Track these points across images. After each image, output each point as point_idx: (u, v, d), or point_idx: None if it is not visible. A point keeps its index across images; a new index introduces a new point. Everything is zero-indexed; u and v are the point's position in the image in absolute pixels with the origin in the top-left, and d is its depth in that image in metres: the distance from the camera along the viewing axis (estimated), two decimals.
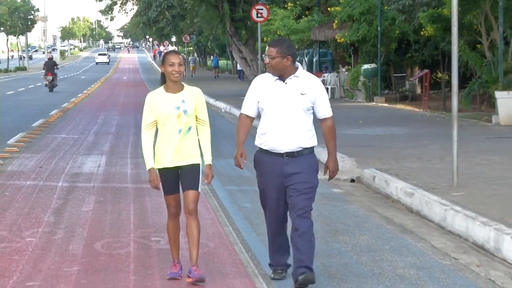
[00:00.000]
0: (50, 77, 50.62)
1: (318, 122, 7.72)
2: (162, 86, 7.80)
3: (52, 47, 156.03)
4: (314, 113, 7.71)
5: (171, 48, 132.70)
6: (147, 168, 7.71)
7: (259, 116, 7.86)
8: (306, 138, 7.60)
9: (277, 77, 7.59)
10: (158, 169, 7.71)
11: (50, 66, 51.19)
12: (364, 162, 15.20)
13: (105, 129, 25.49)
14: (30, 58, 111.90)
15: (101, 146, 20.62)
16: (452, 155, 12.14)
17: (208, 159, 7.81)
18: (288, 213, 7.78)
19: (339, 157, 16.21)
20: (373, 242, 9.58)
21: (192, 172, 7.73)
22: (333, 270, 8.31)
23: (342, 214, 11.42)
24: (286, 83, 7.57)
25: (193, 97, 7.74)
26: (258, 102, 7.68)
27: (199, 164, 7.79)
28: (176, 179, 7.78)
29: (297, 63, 7.65)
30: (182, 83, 7.76)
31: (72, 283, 7.93)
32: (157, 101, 7.69)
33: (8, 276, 8.15)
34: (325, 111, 7.67)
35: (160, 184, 7.71)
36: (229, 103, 34.76)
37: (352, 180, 14.39)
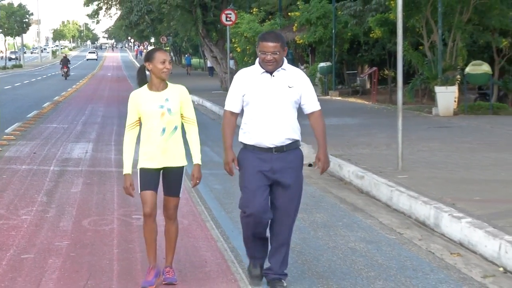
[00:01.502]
0: (65, 69, 64.22)
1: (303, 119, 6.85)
2: (146, 85, 6.77)
3: (43, 48, 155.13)
4: (300, 108, 6.73)
5: (150, 48, 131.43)
6: (124, 172, 6.73)
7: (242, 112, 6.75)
8: (293, 131, 6.61)
9: (264, 70, 6.51)
10: (140, 168, 6.70)
11: (65, 61, 64.92)
12: None
13: (92, 120, 25.36)
14: (17, 58, 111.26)
15: (88, 134, 20.51)
16: (397, 142, 12.21)
17: (196, 159, 6.75)
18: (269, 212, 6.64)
19: None
20: (328, 219, 9.61)
21: (175, 175, 6.75)
22: (293, 244, 8.29)
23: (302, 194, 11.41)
24: (273, 75, 6.52)
25: (177, 95, 6.72)
26: (244, 96, 6.55)
27: (183, 166, 6.79)
28: (157, 178, 6.75)
29: None
30: (166, 82, 6.75)
31: (62, 256, 7.90)
32: (141, 100, 6.68)
33: (6, 250, 8.12)
34: (313, 104, 6.69)
35: (133, 192, 6.74)
36: (201, 97, 34.83)
37: (310, 165, 14.33)
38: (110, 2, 48.85)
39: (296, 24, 37.94)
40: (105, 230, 9.07)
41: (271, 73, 6.50)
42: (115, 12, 71.26)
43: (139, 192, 6.67)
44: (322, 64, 36.62)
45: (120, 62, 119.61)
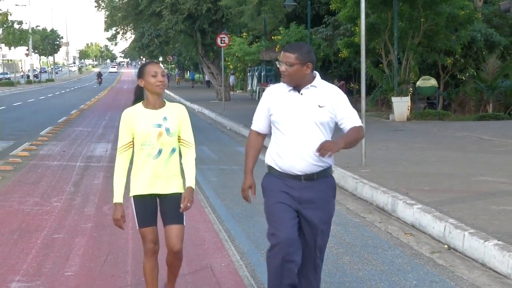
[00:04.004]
0: (99, 80, 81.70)
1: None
2: (141, 102, 5.02)
3: (71, 65, 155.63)
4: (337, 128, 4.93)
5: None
6: (114, 200, 5.00)
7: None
8: (326, 157, 4.74)
9: (292, 87, 4.77)
10: (133, 196, 4.97)
11: (99, 74, 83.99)
12: None
13: (111, 124, 25.29)
14: (42, 72, 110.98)
15: (108, 136, 20.44)
16: (361, 143, 12.21)
17: (190, 181, 4.95)
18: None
19: None
20: None
21: (175, 202, 4.94)
22: None
23: None
24: (301, 93, 4.76)
25: (176, 115, 4.99)
26: (271, 115, 4.82)
27: (182, 193, 4.98)
28: (154, 209, 5.01)
29: (315, 72, 4.86)
30: (163, 99, 5.04)
31: (86, 236, 7.88)
32: (135, 119, 4.93)
33: (40, 231, 8.11)
34: (353, 120, 4.82)
35: (124, 224, 5.06)
36: (200, 105, 34.85)
37: None
38: (126, 28, 48.67)
39: (278, 46, 37.97)
40: None
41: (298, 90, 4.76)
42: (130, 36, 70.99)
43: (137, 227, 5.05)
44: None
45: (134, 77, 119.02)
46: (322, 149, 4.55)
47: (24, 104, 39.12)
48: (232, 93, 50.29)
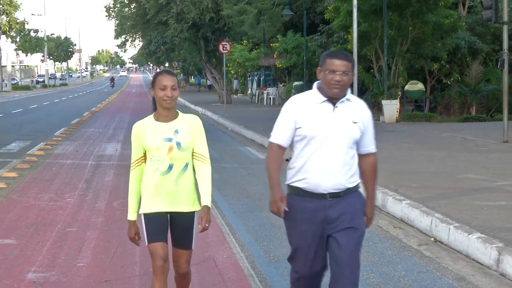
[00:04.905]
0: (112, 83, 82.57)
1: None
2: (152, 115, 4.38)
3: (84, 70, 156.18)
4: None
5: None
6: (128, 217, 4.54)
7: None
8: (353, 175, 4.13)
9: (326, 99, 4.05)
10: (144, 214, 4.38)
11: (112, 79, 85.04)
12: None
13: (120, 125, 25.28)
14: (52, 79, 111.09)
15: (117, 136, 20.43)
16: None
17: (206, 199, 4.31)
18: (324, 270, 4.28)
19: None
20: None
21: (186, 223, 4.36)
22: (274, 220, 8.30)
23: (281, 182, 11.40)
24: (337, 106, 4.05)
25: (189, 127, 4.30)
26: (298, 128, 4.08)
27: (195, 212, 4.39)
28: (165, 225, 4.36)
29: None
30: (177, 110, 4.36)
31: (98, 229, 7.87)
32: (145, 132, 4.30)
33: (55, 224, 8.11)
34: (371, 145, 4.23)
35: (139, 239, 4.50)
36: (203, 108, 34.83)
37: (287, 160, 14.37)
38: (134, 36, 48.66)
39: (276, 52, 38.02)
40: None
41: (334, 103, 4.05)
42: (138, 43, 71.04)
43: (146, 244, 4.34)
44: (296, 83, 36.72)
45: (142, 81, 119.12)
46: (369, 225, 4.33)
47: (40, 106, 39.10)
48: (234, 96, 50.30)
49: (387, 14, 23.61)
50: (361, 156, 4.19)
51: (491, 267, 6.20)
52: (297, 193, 4.12)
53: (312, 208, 4.06)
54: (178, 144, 4.26)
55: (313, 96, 4.11)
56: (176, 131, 4.28)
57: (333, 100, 4.05)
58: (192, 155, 4.35)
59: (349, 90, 4.09)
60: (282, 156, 4.20)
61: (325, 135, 4.02)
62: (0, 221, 8.28)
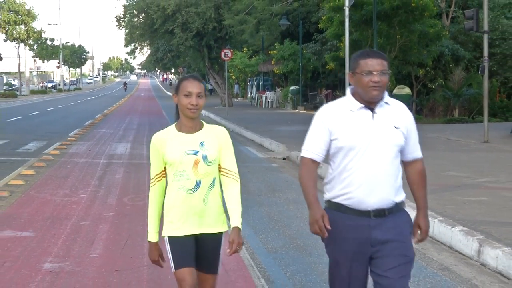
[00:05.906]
0: (125, 87, 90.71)
1: None
2: (174, 124, 3.57)
3: (96, 76, 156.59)
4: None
5: (172, 76, 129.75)
6: (148, 238, 3.68)
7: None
8: (399, 188, 3.45)
9: (362, 105, 3.37)
10: (168, 237, 3.54)
11: (125, 83, 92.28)
12: (291, 147, 15.20)
13: (130, 126, 25.26)
14: (69, 82, 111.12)
15: (127, 137, 20.40)
16: None
17: (236, 221, 3.56)
18: None
19: (275, 144, 16.27)
20: (297, 197, 9.56)
21: (212, 245, 3.59)
22: (272, 215, 8.32)
23: (278, 179, 11.42)
24: (375, 112, 3.36)
25: (216, 139, 3.54)
26: (334, 140, 3.41)
27: (222, 233, 3.62)
28: (192, 249, 3.53)
29: None
30: (201, 120, 3.59)
31: (109, 223, 7.86)
32: (166, 144, 3.49)
33: (69, 218, 8.10)
34: (417, 149, 3.54)
35: (163, 261, 3.69)
36: (207, 110, 34.74)
37: (284, 158, 14.40)
38: (143, 44, 48.60)
39: (274, 59, 38.00)
40: (139, 204, 9.02)
41: (372, 108, 3.37)
42: (147, 51, 71.12)
43: (172, 270, 3.51)
44: (292, 88, 36.84)
45: (150, 86, 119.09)
46: (424, 238, 3.58)
47: (55, 109, 39.09)
48: (236, 100, 50.24)
49: (377, 24, 23.60)
50: (407, 164, 3.55)
51: (472, 257, 6.20)
52: (335, 208, 3.42)
53: (354, 225, 3.36)
54: (205, 157, 3.49)
55: (347, 103, 3.42)
56: (202, 143, 3.51)
57: (371, 105, 3.37)
58: (220, 171, 3.60)
59: (386, 93, 3.42)
60: (316, 171, 3.52)
61: (366, 145, 3.34)
62: (19, 215, 8.28)
